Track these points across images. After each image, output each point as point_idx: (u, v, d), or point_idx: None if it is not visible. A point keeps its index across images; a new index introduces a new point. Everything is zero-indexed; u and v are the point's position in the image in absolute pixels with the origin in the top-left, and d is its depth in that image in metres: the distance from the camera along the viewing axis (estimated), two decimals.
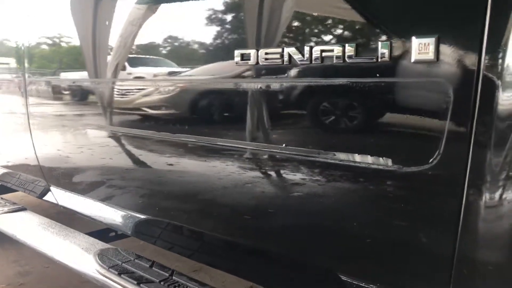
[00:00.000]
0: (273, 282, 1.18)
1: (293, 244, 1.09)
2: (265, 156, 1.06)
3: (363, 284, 0.95)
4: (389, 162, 0.82)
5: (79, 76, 1.69)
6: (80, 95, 1.73)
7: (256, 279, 1.24)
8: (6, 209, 1.92)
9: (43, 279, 2.30)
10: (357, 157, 0.85)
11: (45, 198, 1.95)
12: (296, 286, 1.12)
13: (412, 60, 0.76)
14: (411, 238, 0.87)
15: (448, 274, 0.82)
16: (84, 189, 1.77)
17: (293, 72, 0.93)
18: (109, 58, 1.49)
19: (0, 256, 2.57)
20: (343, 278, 0.99)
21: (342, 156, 0.88)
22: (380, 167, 0.83)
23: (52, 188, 1.91)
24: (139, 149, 1.51)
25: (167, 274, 1.30)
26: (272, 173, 1.07)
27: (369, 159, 0.84)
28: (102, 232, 1.80)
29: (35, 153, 1.90)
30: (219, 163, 1.19)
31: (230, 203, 1.24)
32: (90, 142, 1.71)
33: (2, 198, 2.09)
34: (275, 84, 0.98)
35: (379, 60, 0.80)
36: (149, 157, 1.47)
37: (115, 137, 1.56)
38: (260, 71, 0.99)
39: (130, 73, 1.44)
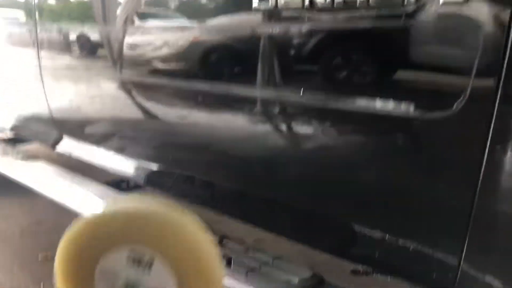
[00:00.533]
0: (285, 231, 1.19)
1: (315, 194, 1.09)
2: (285, 104, 1.05)
3: (377, 235, 0.96)
4: (411, 107, 0.80)
5: (90, 27, 1.68)
6: (91, 47, 1.72)
7: (267, 227, 1.25)
8: (20, 159, 1.94)
9: (56, 228, 2.34)
10: (378, 104, 0.83)
11: (58, 148, 1.97)
12: (310, 235, 1.13)
13: (441, 0, 0.73)
14: (430, 187, 0.86)
15: (465, 226, 0.81)
16: (97, 140, 1.78)
17: (315, 15, 0.90)
18: (118, 10, 1.48)
19: (15, 206, 2.62)
20: (358, 228, 0.99)
21: (362, 102, 0.86)
22: (402, 113, 0.81)
23: (64, 138, 1.92)
24: (150, 100, 1.51)
25: None
26: (291, 122, 1.06)
27: (390, 105, 0.82)
28: (115, 182, 1.82)
29: (48, 104, 1.90)
30: (235, 113, 1.18)
31: (245, 154, 1.24)
32: (101, 93, 1.70)
33: (15, 149, 2.11)
34: (294, 28, 0.95)
35: (406, 1, 0.77)
36: (159, 108, 1.47)
37: (126, 88, 1.55)
38: (279, 15, 0.97)
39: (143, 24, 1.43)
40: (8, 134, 2.47)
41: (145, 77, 1.45)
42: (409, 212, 0.92)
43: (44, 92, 1.88)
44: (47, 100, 1.88)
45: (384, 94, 0.84)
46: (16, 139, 2.42)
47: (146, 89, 1.50)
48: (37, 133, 2.13)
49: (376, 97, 0.84)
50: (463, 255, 0.82)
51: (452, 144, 0.80)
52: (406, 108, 0.80)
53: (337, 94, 0.91)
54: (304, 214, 1.14)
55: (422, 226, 0.91)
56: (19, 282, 1.80)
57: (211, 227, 1.27)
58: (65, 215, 2.42)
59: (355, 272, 1.88)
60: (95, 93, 1.73)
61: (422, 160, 0.86)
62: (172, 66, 1.40)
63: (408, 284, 0.95)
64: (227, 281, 1.06)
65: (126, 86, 1.55)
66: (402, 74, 0.85)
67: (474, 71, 0.72)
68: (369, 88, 0.89)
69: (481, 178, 0.76)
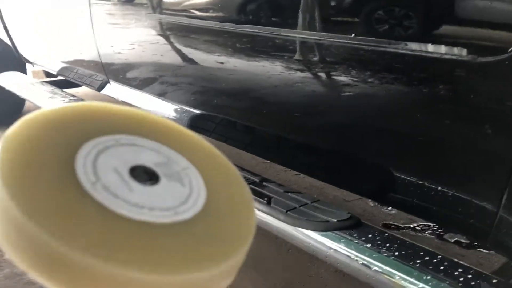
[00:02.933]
0: (321, 174, 1.22)
1: (357, 139, 1.11)
2: (334, 47, 1.06)
3: (418, 181, 0.97)
4: (464, 52, 0.79)
5: None
6: None
7: (305, 171, 1.29)
8: (66, 100, 2.02)
9: None
10: (430, 47, 0.83)
11: (103, 91, 2.03)
12: (349, 179, 1.16)
13: None
14: (475, 134, 0.86)
15: (507, 176, 0.82)
16: (141, 84, 1.83)
17: None
18: None
19: None
20: (399, 174, 1.01)
21: (414, 46, 0.86)
22: (454, 57, 0.81)
23: (111, 82, 1.99)
24: (190, 47, 1.53)
25: None
26: (340, 65, 1.07)
27: (442, 49, 0.82)
28: None
29: (97, 49, 1.95)
30: (275, 60, 1.19)
31: (284, 99, 1.27)
32: (147, 40, 1.73)
33: (63, 91, 2.19)
34: None
35: None
36: (200, 55, 1.49)
37: (171, 35, 1.58)
38: None
39: None
40: (58, 78, 2.56)
41: (185, 22, 1.48)
42: (453, 160, 0.93)
43: (94, 37, 1.93)
44: (96, 45, 1.93)
45: (436, 38, 0.84)
46: (65, 82, 2.50)
47: (186, 34, 1.53)
48: (85, 77, 2.20)
49: (427, 41, 0.84)
50: (502, 202, 0.83)
51: (504, 87, 0.80)
52: (458, 52, 0.80)
53: (388, 38, 0.91)
54: (343, 159, 1.17)
55: (464, 173, 0.92)
56: None
57: (251, 171, 1.32)
58: None
59: (386, 226, 1.92)
60: (138, 39, 1.76)
61: (469, 107, 0.86)
62: (211, 10, 1.41)
63: (446, 229, 0.97)
64: (267, 218, 1.10)
65: (166, 32, 1.58)
66: (453, 17, 0.84)
67: None
68: (419, 31, 0.89)
69: None
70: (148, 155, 0.24)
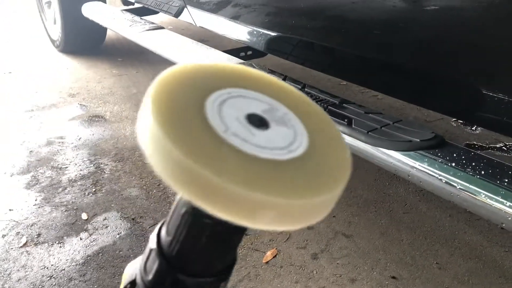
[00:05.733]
0: (402, 93, 1.19)
1: (441, 57, 1.07)
2: None
3: (509, 98, 0.93)
4: None
5: None
6: None
7: (386, 91, 1.26)
8: (146, 27, 2.07)
9: None
10: None
11: (180, 17, 2.07)
12: (433, 99, 1.13)
13: None
14: None
15: None
16: (217, 8, 1.84)
17: None
18: None
19: (142, 75, 2.88)
20: (488, 92, 0.97)
21: None
22: None
23: (188, 7, 2.01)
24: None
25: (299, 85, 1.37)
26: None
27: None
28: (235, 50, 1.90)
29: None
30: None
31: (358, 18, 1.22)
32: None
33: (142, 19, 2.24)
34: None
35: None
36: None
37: None
38: None
39: None
40: (136, 5, 2.62)
41: None
42: None
43: None
44: None
45: None
46: (143, 10, 2.56)
47: None
48: (163, 3, 2.23)
49: None
50: None
51: None
52: None
53: None
54: (428, 77, 1.14)
55: None
56: None
57: (330, 93, 1.32)
58: None
59: (470, 146, 1.86)
60: None
61: None
62: None
63: None
64: (347, 139, 1.11)
65: None
66: None
67: None
68: None
69: None
70: (255, 104, 0.28)
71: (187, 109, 0.25)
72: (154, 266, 0.30)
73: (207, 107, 0.26)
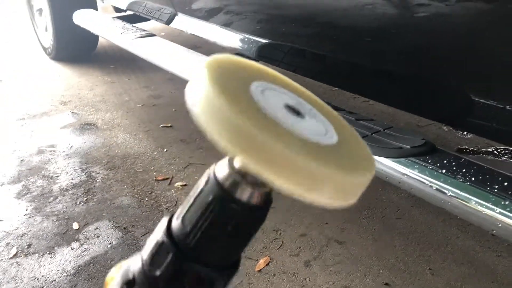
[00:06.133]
0: (394, 100, 1.20)
1: (433, 64, 1.07)
2: None
3: (498, 105, 0.93)
4: None
5: None
6: None
7: (377, 97, 1.27)
8: (138, 34, 2.07)
9: (172, 102, 2.56)
10: None
11: (172, 24, 2.06)
12: (424, 105, 1.13)
13: None
14: None
15: None
16: (209, 15, 1.84)
17: None
18: None
19: (134, 82, 2.88)
20: (478, 99, 0.97)
21: None
22: None
23: (179, 14, 2.00)
24: None
25: None
26: None
27: None
28: None
29: None
30: None
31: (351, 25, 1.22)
32: None
33: (133, 26, 2.24)
34: None
35: None
36: None
37: None
38: None
39: None
40: (127, 12, 2.62)
41: None
42: None
43: None
44: None
45: None
46: (134, 17, 2.56)
47: None
48: (154, 11, 2.23)
49: None
50: None
51: None
52: None
53: None
54: (418, 83, 1.14)
55: None
56: (145, 146, 2.04)
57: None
58: (179, 90, 2.62)
59: (461, 151, 1.87)
60: None
61: None
62: None
63: None
64: None
65: None
66: None
67: None
68: None
69: None
70: (286, 97, 0.30)
71: (241, 91, 0.27)
72: (166, 259, 0.29)
73: (253, 92, 0.28)
